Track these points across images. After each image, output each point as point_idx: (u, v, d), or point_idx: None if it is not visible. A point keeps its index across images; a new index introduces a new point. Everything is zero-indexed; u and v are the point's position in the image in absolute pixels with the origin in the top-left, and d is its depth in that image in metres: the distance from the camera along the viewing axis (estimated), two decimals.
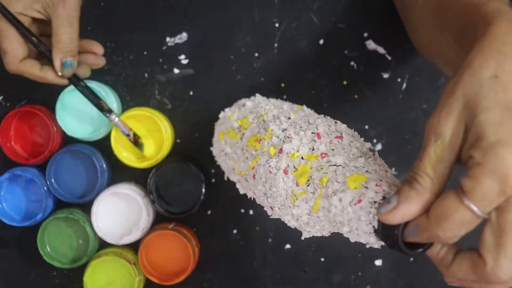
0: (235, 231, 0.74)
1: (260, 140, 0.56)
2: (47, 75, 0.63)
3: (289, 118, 0.56)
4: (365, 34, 0.72)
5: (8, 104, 0.73)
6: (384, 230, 0.44)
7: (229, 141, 0.62)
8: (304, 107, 0.61)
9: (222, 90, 0.73)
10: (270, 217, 0.56)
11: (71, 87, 0.69)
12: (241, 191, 0.63)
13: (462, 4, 0.51)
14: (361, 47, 0.72)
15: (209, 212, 0.74)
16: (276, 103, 0.64)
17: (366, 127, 0.73)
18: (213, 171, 0.73)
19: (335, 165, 0.49)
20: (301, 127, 0.53)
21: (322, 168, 0.50)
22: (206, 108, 0.73)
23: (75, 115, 0.70)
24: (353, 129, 0.54)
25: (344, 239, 0.55)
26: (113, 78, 0.73)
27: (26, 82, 0.73)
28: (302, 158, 0.51)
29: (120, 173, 0.73)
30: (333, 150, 0.51)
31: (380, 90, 0.73)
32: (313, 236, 0.54)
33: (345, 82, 0.73)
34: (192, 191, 0.71)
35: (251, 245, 0.74)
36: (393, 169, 0.73)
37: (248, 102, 0.65)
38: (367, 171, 0.47)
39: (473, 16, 0.48)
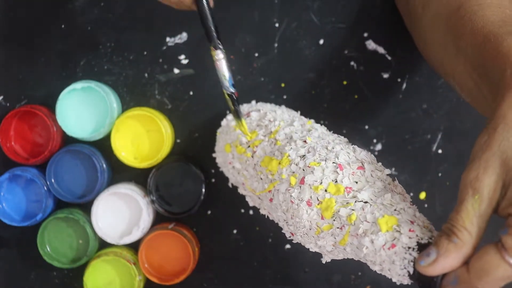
0: (235, 231, 0.74)
1: (278, 163, 0.56)
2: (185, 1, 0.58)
3: (305, 142, 0.56)
4: (365, 34, 0.72)
5: (8, 104, 0.73)
6: (421, 277, 0.45)
7: (237, 155, 0.62)
8: (313, 122, 0.61)
9: (222, 90, 0.72)
10: (288, 238, 0.57)
11: (71, 86, 0.69)
12: (251, 204, 0.63)
13: (476, 34, 0.51)
14: (361, 47, 0.72)
15: (209, 212, 0.74)
16: (283, 116, 0.63)
17: (366, 127, 0.73)
18: (213, 171, 0.73)
19: (362, 201, 0.50)
20: (320, 154, 0.54)
21: (348, 204, 0.50)
22: (206, 108, 0.73)
23: (75, 115, 0.70)
24: (370, 154, 0.55)
25: None
26: (113, 78, 0.73)
27: (26, 82, 0.73)
28: (326, 190, 0.51)
29: (120, 173, 0.73)
30: (356, 183, 0.52)
31: (380, 90, 0.73)
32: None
33: (345, 82, 0.73)
34: (192, 191, 0.71)
35: (251, 245, 0.74)
36: (393, 169, 0.73)
37: (253, 113, 0.64)
38: (395, 210, 0.49)
39: (492, 52, 0.48)
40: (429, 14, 0.60)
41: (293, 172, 0.54)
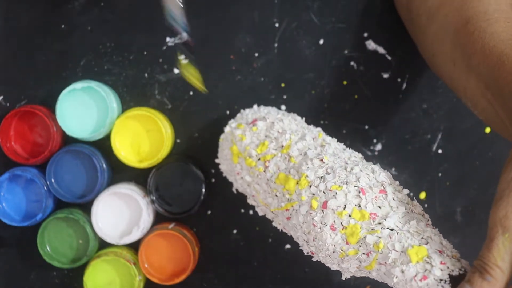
0: (235, 231, 0.74)
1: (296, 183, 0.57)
2: None
3: (322, 160, 0.56)
4: (365, 34, 0.72)
5: (8, 104, 0.73)
6: None
7: (246, 167, 0.62)
8: (323, 134, 0.61)
9: (222, 90, 0.73)
10: (306, 254, 0.58)
11: (71, 86, 0.69)
12: (260, 214, 0.63)
13: (487, 54, 0.51)
14: (361, 47, 0.72)
15: (209, 212, 0.74)
16: (291, 126, 0.63)
17: (366, 127, 0.73)
18: (213, 171, 0.73)
19: (388, 228, 0.51)
20: (340, 177, 0.54)
21: (374, 231, 0.51)
22: (206, 108, 0.73)
23: (75, 115, 0.70)
24: (388, 173, 0.55)
25: None
26: (113, 78, 0.73)
27: (26, 82, 0.73)
28: (350, 216, 0.52)
29: (120, 173, 0.73)
30: (380, 207, 0.52)
31: (380, 90, 0.73)
32: None
33: (345, 82, 0.73)
34: (192, 191, 0.71)
35: (251, 245, 0.74)
36: (393, 169, 0.73)
37: (259, 122, 0.64)
38: (422, 238, 0.50)
39: (507, 76, 0.48)
40: (434, 26, 0.60)
41: (313, 195, 0.55)
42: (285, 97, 0.72)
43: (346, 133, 0.73)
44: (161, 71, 0.73)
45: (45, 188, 0.71)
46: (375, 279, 0.53)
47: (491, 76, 0.50)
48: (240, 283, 0.75)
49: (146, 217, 0.71)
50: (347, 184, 0.53)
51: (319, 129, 0.64)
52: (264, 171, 0.60)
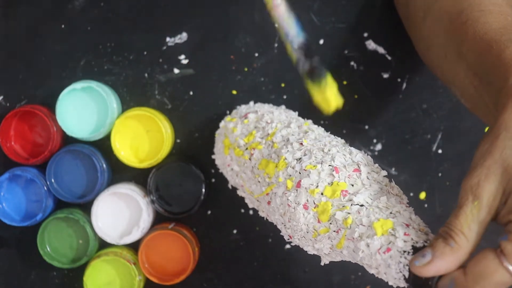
0: (235, 231, 0.74)
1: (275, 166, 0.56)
2: None
3: (301, 144, 0.56)
4: (365, 34, 0.72)
5: (8, 104, 0.73)
6: (416, 279, 0.45)
7: (235, 158, 0.62)
8: (310, 123, 0.61)
9: (222, 90, 0.73)
10: (287, 241, 0.57)
11: (71, 86, 0.69)
12: (250, 206, 0.63)
13: (478, 41, 0.51)
14: (361, 47, 0.72)
15: (209, 212, 0.74)
16: (281, 116, 0.63)
17: (366, 127, 0.73)
18: (213, 171, 0.73)
19: (358, 204, 0.50)
20: (316, 157, 0.54)
21: (344, 207, 0.50)
22: (206, 108, 0.73)
23: (75, 115, 0.70)
24: (367, 156, 0.55)
25: None
26: (113, 78, 0.73)
27: (26, 82, 0.73)
28: (322, 194, 0.52)
29: (120, 173, 0.73)
30: (352, 185, 0.51)
31: (380, 90, 0.73)
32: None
33: (345, 82, 0.73)
34: (192, 191, 0.71)
35: (251, 245, 0.74)
36: (393, 169, 0.73)
37: (250, 115, 0.64)
38: (391, 213, 0.49)
39: (494, 60, 0.48)
40: (429, 19, 0.60)
41: (290, 176, 0.54)
42: (285, 97, 0.72)
43: (346, 133, 0.73)
44: (161, 71, 0.73)
45: (45, 188, 0.71)
46: (348, 259, 0.52)
47: (479, 61, 0.50)
48: (240, 283, 0.75)
49: (146, 217, 0.71)
50: (322, 164, 0.53)
51: (309, 120, 0.64)
52: (249, 159, 0.60)
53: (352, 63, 0.72)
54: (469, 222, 0.43)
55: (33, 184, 0.71)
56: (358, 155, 0.54)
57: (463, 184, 0.44)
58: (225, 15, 0.72)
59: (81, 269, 0.72)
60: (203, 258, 0.74)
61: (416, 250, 0.46)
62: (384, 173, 0.54)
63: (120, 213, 0.71)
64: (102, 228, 0.71)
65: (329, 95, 0.47)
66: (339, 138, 0.59)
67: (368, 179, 0.52)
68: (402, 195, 0.52)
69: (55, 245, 0.72)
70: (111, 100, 0.70)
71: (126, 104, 0.73)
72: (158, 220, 0.74)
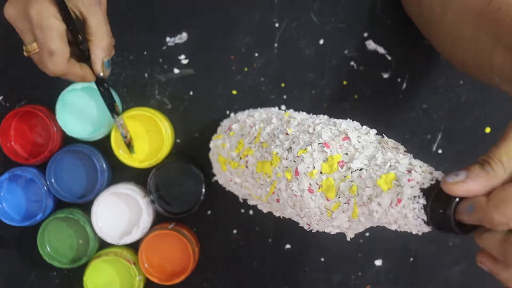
0: (235, 231, 0.74)
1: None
2: (87, 75, 0.60)
3: (287, 134, 0.56)
4: (365, 34, 0.72)
5: (8, 104, 0.73)
6: (434, 217, 0.45)
7: (233, 171, 0.62)
8: (291, 112, 0.61)
9: (222, 90, 0.73)
10: (308, 230, 0.57)
11: (71, 86, 0.69)
12: (265, 211, 0.63)
13: None
14: (361, 47, 0.72)
15: (209, 212, 0.74)
16: (261, 116, 0.64)
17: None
18: (213, 171, 0.73)
19: (357, 169, 0.50)
20: (304, 141, 0.53)
21: (345, 177, 0.50)
22: (206, 108, 0.73)
23: (75, 115, 0.70)
24: (352, 121, 0.54)
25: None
26: (113, 78, 0.73)
27: (26, 82, 0.73)
28: (321, 172, 0.51)
29: (120, 173, 0.74)
30: (346, 154, 0.51)
31: (380, 90, 0.73)
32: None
33: (345, 82, 0.73)
34: (192, 191, 0.71)
35: (251, 245, 0.74)
36: None
37: (234, 126, 0.65)
38: (390, 166, 0.48)
39: None
40: (450, 13, 0.60)
41: (286, 167, 0.54)
42: (285, 97, 0.72)
43: (327, 116, 0.73)
44: (161, 71, 0.73)
45: (45, 188, 0.71)
46: (369, 225, 0.52)
47: None
48: (240, 283, 0.75)
49: (146, 217, 0.71)
50: (311, 144, 0.53)
51: (290, 110, 0.64)
52: (246, 167, 0.60)
53: (352, 63, 0.72)
54: (510, 153, 0.44)
55: (33, 184, 0.71)
56: (343, 124, 0.54)
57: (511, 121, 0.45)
58: (225, 15, 0.72)
59: (81, 269, 0.72)
60: (203, 258, 0.74)
61: (425, 191, 0.46)
62: (374, 131, 0.54)
63: (120, 213, 0.72)
64: (102, 228, 0.71)
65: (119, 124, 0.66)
66: (322, 115, 0.59)
67: (359, 142, 0.52)
68: (399, 146, 0.52)
69: (55, 245, 0.72)
70: None
71: (126, 104, 0.73)
72: (158, 220, 0.74)
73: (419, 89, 0.73)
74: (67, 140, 0.72)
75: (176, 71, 0.73)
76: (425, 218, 0.46)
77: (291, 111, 0.62)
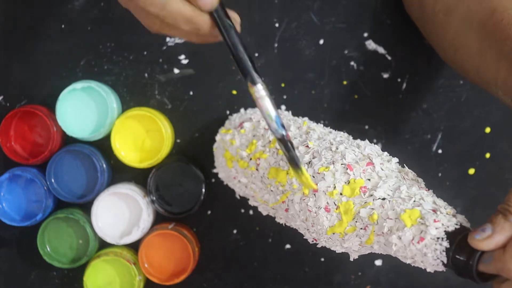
0: (235, 231, 0.74)
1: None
2: (200, 16, 0.46)
3: (307, 147, 0.56)
4: (365, 34, 0.72)
5: (8, 104, 0.73)
6: (455, 262, 0.46)
7: (241, 170, 0.62)
8: (308, 121, 0.61)
9: (222, 90, 0.73)
10: (312, 243, 0.57)
11: (71, 86, 0.69)
12: (264, 213, 0.63)
13: None
14: (361, 47, 0.72)
15: (209, 212, 0.74)
16: None
17: (366, 127, 0.73)
18: (213, 171, 0.73)
19: (380, 198, 0.50)
20: (326, 158, 0.54)
21: (366, 203, 0.51)
22: (206, 108, 0.73)
23: (75, 115, 0.70)
24: (374, 146, 0.55)
25: None
26: (113, 78, 0.73)
27: (26, 82, 0.73)
28: (341, 194, 0.52)
29: (120, 173, 0.73)
30: (369, 180, 0.52)
31: (380, 90, 0.73)
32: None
33: (345, 82, 0.73)
34: (192, 191, 0.71)
35: (251, 245, 0.74)
36: None
37: (246, 124, 0.64)
38: (414, 201, 0.49)
39: None
40: (455, 21, 0.59)
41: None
42: (285, 97, 0.72)
43: (346, 133, 0.73)
44: (161, 71, 0.73)
45: (45, 188, 0.71)
46: (378, 252, 0.53)
47: None
48: (240, 283, 0.75)
49: (146, 217, 0.71)
50: (333, 163, 0.53)
51: (305, 118, 0.64)
52: (256, 170, 0.60)
53: (352, 63, 0.72)
54: None
55: (33, 184, 0.71)
56: (367, 148, 0.54)
57: None
58: None
59: (81, 269, 0.72)
60: (203, 258, 0.74)
61: (448, 234, 0.46)
62: (396, 160, 0.54)
63: (120, 213, 0.71)
64: (102, 228, 0.71)
65: (304, 181, 0.52)
66: (342, 132, 0.59)
67: (382, 170, 0.53)
68: (418, 179, 0.53)
69: (55, 245, 0.72)
70: (111, 100, 0.70)
71: (126, 104, 0.73)
72: (158, 220, 0.74)
73: (419, 89, 0.73)
74: (67, 140, 0.72)
75: (176, 71, 0.73)
76: (445, 261, 0.47)
77: (307, 119, 0.62)
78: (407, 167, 0.53)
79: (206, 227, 0.74)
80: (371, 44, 0.72)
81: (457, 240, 0.46)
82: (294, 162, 0.51)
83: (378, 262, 0.74)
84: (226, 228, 0.74)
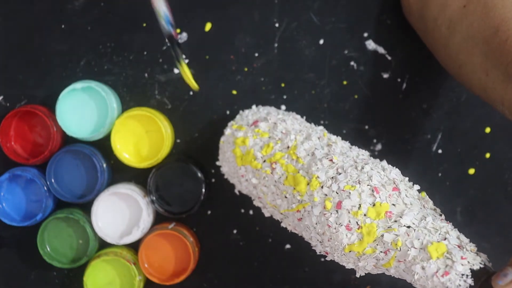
0: (235, 231, 0.74)
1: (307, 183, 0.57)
2: None
3: (331, 161, 0.56)
4: (365, 34, 0.72)
5: (8, 104, 0.73)
6: None
7: (252, 170, 0.62)
8: (328, 133, 0.61)
9: (222, 90, 0.73)
10: (319, 253, 0.58)
11: (71, 86, 0.69)
12: (267, 215, 0.63)
13: None
14: (361, 47, 0.72)
15: (209, 212, 0.74)
16: (294, 125, 0.63)
17: (366, 127, 0.73)
18: (213, 171, 0.73)
19: (405, 226, 0.51)
20: (351, 176, 0.54)
21: (390, 229, 0.52)
22: (206, 108, 0.73)
23: (75, 115, 0.70)
24: (397, 170, 0.56)
25: None
26: (113, 78, 0.73)
27: (26, 82, 0.73)
28: (365, 215, 0.53)
29: (120, 173, 0.73)
30: (394, 205, 0.53)
31: (380, 90, 0.73)
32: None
33: (345, 82, 0.73)
34: (192, 191, 0.71)
35: (251, 245, 0.74)
36: None
37: (261, 124, 0.64)
38: (440, 234, 0.51)
39: None
40: (458, 37, 0.59)
41: (326, 195, 0.55)
42: (285, 97, 0.72)
43: (346, 133, 0.73)
44: (161, 71, 0.73)
45: (45, 188, 0.71)
46: (392, 275, 0.54)
47: None
48: (240, 283, 0.75)
49: (146, 217, 0.71)
50: (359, 183, 0.54)
51: (322, 127, 0.64)
52: (271, 173, 0.60)
53: (352, 63, 0.72)
54: None
55: (33, 184, 0.71)
56: (393, 172, 0.55)
57: None
58: (225, 15, 0.72)
59: (81, 269, 0.72)
60: (203, 258, 0.74)
61: (473, 272, 0.48)
62: (417, 187, 0.55)
63: (120, 213, 0.72)
64: (102, 228, 0.71)
65: (185, 78, 0.58)
66: (363, 151, 0.60)
67: (407, 197, 0.54)
68: (437, 209, 0.54)
69: (55, 245, 0.72)
70: (111, 100, 0.70)
71: (126, 104, 0.73)
72: (158, 220, 0.74)
73: (419, 89, 0.73)
74: (67, 140, 0.72)
75: (176, 71, 0.73)
76: None
77: (327, 132, 0.62)
78: (427, 196, 0.54)
79: (206, 227, 0.74)
80: (371, 44, 0.72)
81: (482, 281, 0.48)
82: (176, 58, 0.57)
83: None
84: (226, 228, 0.74)
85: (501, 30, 0.53)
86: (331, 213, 0.54)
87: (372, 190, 0.53)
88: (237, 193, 0.70)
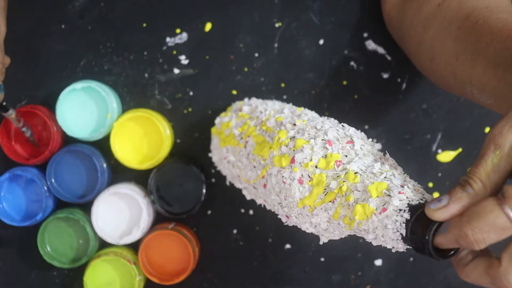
0: (235, 231, 0.74)
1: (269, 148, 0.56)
2: None
3: (294, 125, 0.56)
4: (365, 34, 0.72)
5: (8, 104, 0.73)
6: (413, 236, 0.45)
7: (231, 149, 0.62)
8: (304, 109, 0.61)
9: (222, 90, 0.73)
10: (285, 223, 0.56)
11: (71, 86, 0.69)
12: (248, 197, 0.63)
13: (496, 34, 0.52)
14: (361, 47, 0.72)
15: (209, 212, 0.74)
16: (274, 106, 0.64)
17: (366, 127, 0.73)
18: (213, 171, 0.73)
19: (352, 172, 0.50)
20: (309, 134, 0.54)
21: (338, 177, 0.50)
22: (206, 108, 0.73)
23: (75, 115, 0.70)
24: (360, 131, 0.54)
25: (344, 239, 0.55)
26: (113, 78, 0.73)
27: (26, 82, 0.73)
28: (316, 167, 0.51)
29: (120, 173, 0.73)
30: (346, 156, 0.51)
31: (380, 90, 0.73)
32: (317, 237, 0.55)
33: (345, 82, 0.73)
34: (192, 191, 0.71)
35: (251, 245, 0.74)
36: None
37: (245, 107, 0.65)
38: (385, 177, 0.48)
39: None
40: (432, 31, 0.60)
41: (283, 153, 0.54)
42: (285, 97, 0.72)
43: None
44: (161, 71, 0.73)
45: (45, 188, 0.71)
46: (346, 233, 0.52)
47: (503, 49, 0.50)
48: (240, 283, 0.75)
49: (146, 217, 0.71)
50: (315, 139, 0.53)
51: (302, 108, 0.64)
52: (244, 147, 0.60)
53: (352, 63, 0.72)
54: (489, 171, 0.43)
55: (33, 184, 0.71)
56: (351, 130, 0.54)
57: (488, 133, 0.44)
58: (225, 15, 0.72)
59: (81, 269, 0.72)
60: (203, 258, 0.74)
61: (412, 208, 0.45)
62: (378, 146, 0.54)
63: (120, 213, 0.72)
64: (102, 228, 0.71)
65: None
66: (333, 119, 0.59)
67: (361, 149, 0.52)
68: (397, 166, 0.52)
69: (55, 245, 0.72)
70: (111, 100, 0.70)
71: (126, 104, 0.73)
72: (158, 220, 0.74)
73: (419, 89, 0.73)
74: (67, 140, 0.72)
75: (176, 71, 0.73)
76: (404, 233, 0.45)
77: (303, 108, 0.62)
78: (388, 155, 0.53)
79: (206, 227, 0.74)
80: (371, 44, 0.72)
81: (418, 213, 0.45)
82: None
83: (378, 262, 0.74)
84: (226, 228, 0.74)
85: (473, 15, 0.55)
86: (286, 170, 0.53)
87: (325, 143, 0.52)
88: (228, 183, 0.70)
